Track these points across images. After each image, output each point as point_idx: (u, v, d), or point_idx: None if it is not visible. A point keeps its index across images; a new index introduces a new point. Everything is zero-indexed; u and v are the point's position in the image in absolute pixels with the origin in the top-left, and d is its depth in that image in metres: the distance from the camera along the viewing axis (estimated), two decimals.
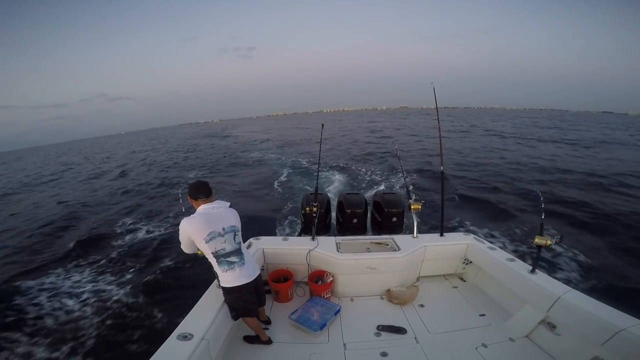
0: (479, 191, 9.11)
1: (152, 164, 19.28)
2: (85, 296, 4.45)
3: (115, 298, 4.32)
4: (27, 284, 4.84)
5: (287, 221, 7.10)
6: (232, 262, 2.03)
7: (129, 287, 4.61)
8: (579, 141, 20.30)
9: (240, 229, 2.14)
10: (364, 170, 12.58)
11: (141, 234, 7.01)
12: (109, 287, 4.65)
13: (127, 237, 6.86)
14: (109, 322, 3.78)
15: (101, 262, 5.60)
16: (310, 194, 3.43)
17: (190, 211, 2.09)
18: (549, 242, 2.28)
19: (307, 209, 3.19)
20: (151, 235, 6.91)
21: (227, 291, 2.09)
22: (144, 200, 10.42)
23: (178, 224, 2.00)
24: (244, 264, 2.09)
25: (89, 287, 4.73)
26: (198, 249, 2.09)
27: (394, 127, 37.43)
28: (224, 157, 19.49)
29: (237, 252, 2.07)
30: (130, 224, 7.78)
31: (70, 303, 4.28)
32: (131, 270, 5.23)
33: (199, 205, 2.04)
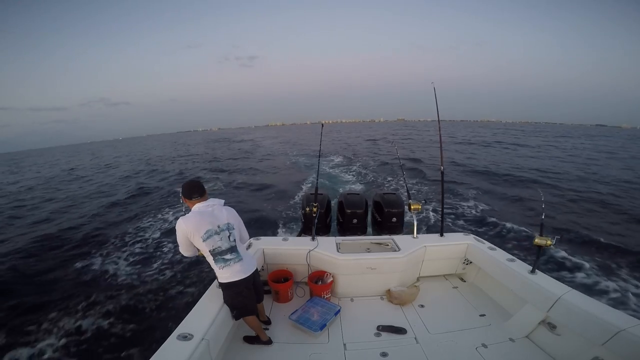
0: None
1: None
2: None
3: (114, 297, 4.31)
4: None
5: (287, 221, 7.11)
6: (228, 260, 2.04)
7: (128, 285, 4.62)
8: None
9: (236, 226, 2.14)
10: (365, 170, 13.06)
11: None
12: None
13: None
14: (108, 321, 3.78)
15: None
16: (311, 194, 3.43)
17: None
18: (549, 242, 2.28)
19: (307, 209, 3.18)
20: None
21: (225, 287, 2.09)
22: None
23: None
24: (240, 260, 2.09)
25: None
26: (198, 250, 2.09)
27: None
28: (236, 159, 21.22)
29: (233, 249, 2.08)
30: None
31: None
32: (130, 269, 5.23)
33: (194, 205, 2.04)
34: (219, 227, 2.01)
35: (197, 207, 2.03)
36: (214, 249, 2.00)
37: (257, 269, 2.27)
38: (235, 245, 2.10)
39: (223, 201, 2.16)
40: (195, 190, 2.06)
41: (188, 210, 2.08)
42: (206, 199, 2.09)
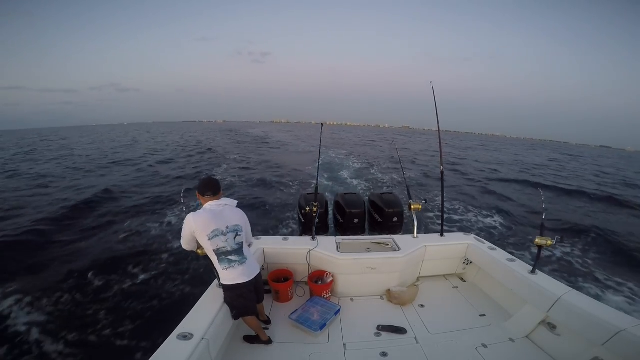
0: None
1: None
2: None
3: (114, 296, 4.31)
4: None
5: (287, 220, 7.11)
6: (233, 261, 2.04)
7: (128, 285, 4.61)
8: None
9: (244, 228, 2.14)
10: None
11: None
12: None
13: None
14: (108, 321, 3.78)
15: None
16: (309, 194, 3.43)
17: (192, 208, 2.09)
18: (549, 242, 2.28)
19: (307, 208, 3.19)
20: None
21: (227, 289, 2.09)
22: None
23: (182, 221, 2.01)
24: (244, 262, 2.10)
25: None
26: (199, 248, 2.09)
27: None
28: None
29: (238, 251, 2.07)
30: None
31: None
32: (130, 268, 5.22)
33: (206, 202, 2.05)
34: (227, 227, 2.01)
35: (209, 205, 2.03)
36: (218, 249, 2.00)
37: (260, 272, 2.27)
38: (241, 248, 2.10)
39: (236, 202, 2.15)
40: (209, 188, 2.06)
41: (200, 206, 2.08)
42: (219, 198, 2.09)
